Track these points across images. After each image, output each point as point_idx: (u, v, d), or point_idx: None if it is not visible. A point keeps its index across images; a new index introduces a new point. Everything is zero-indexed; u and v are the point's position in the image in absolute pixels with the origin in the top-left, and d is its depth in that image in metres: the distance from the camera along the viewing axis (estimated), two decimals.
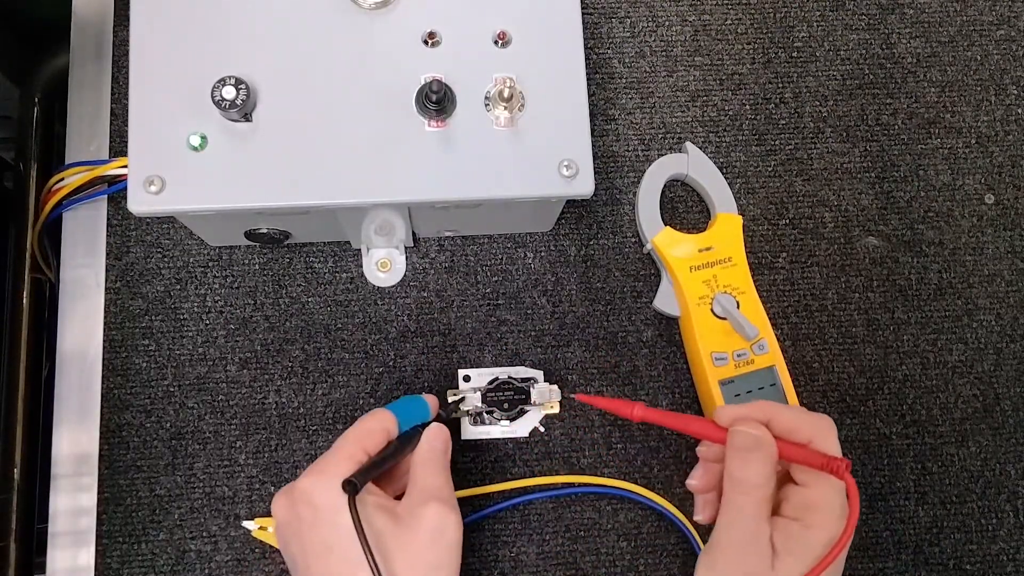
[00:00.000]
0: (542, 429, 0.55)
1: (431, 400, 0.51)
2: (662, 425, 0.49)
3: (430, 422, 0.50)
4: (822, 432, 0.45)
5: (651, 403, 0.56)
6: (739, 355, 0.55)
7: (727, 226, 0.57)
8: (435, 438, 0.48)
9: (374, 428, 0.46)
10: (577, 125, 0.48)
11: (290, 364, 0.56)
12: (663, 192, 0.59)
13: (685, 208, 0.60)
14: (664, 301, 0.57)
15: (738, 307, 0.55)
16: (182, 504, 0.54)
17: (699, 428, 0.47)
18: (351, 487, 0.42)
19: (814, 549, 0.43)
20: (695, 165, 0.59)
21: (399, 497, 0.46)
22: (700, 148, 0.59)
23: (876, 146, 0.62)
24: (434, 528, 0.44)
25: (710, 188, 0.59)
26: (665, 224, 0.58)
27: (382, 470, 0.45)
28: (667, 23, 0.62)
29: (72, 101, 0.59)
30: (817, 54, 0.63)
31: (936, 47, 0.64)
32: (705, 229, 0.58)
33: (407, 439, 0.48)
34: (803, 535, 0.43)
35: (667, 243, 0.57)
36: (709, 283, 0.56)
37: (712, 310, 0.56)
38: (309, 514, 0.43)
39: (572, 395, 0.54)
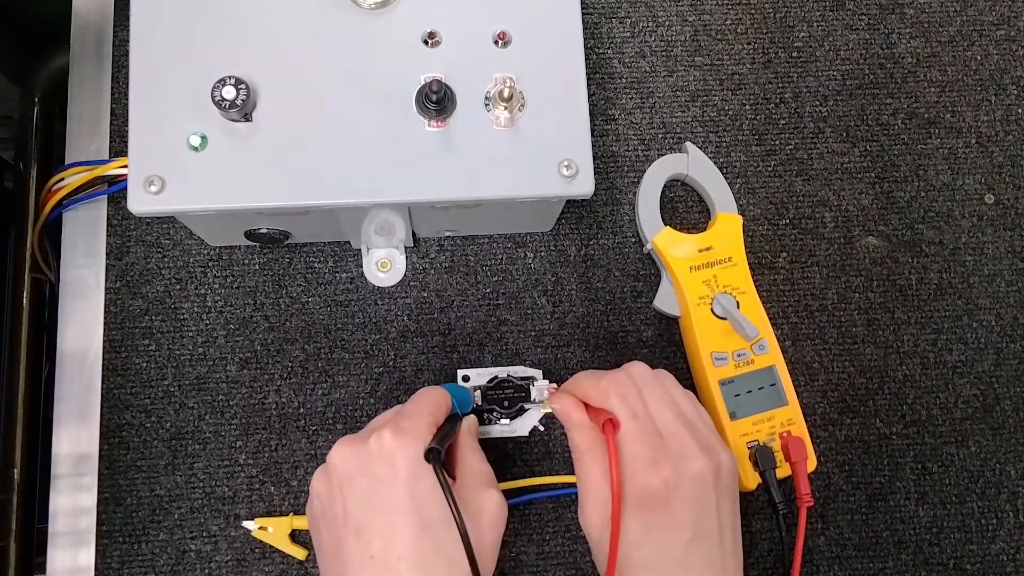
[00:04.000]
0: (542, 428, 0.55)
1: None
2: None
3: (468, 414, 0.52)
4: (600, 393, 0.48)
5: None
6: (739, 355, 0.55)
7: (727, 226, 0.57)
8: (474, 426, 0.51)
9: (441, 402, 0.48)
10: (577, 125, 0.48)
11: (290, 364, 0.56)
12: (663, 192, 0.59)
13: (685, 208, 0.60)
14: (664, 301, 0.57)
15: (738, 307, 0.55)
16: (182, 504, 0.54)
17: None
18: (435, 455, 0.42)
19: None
20: (695, 165, 0.59)
21: None
22: (700, 148, 0.59)
23: (876, 146, 0.62)
24: (496, 515, 0.46)
25: (710, 188, 0.58)
26: (665, 224, 0.58)
27: (448, 443, 0.46)
28: (667, 23, 0.62)
29: (72, 101, 0.59)
30: (817, 54, 0.63)
31: (936, 47, 0.64)
32: (705, 229, 0.58)
33: (452, 422, 0.49)
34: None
35: (667, 243, 0.57)
36: (709, 283, 0.56)
37: (712, 310, 0.56)
38: (386, 473, 0.43)
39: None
